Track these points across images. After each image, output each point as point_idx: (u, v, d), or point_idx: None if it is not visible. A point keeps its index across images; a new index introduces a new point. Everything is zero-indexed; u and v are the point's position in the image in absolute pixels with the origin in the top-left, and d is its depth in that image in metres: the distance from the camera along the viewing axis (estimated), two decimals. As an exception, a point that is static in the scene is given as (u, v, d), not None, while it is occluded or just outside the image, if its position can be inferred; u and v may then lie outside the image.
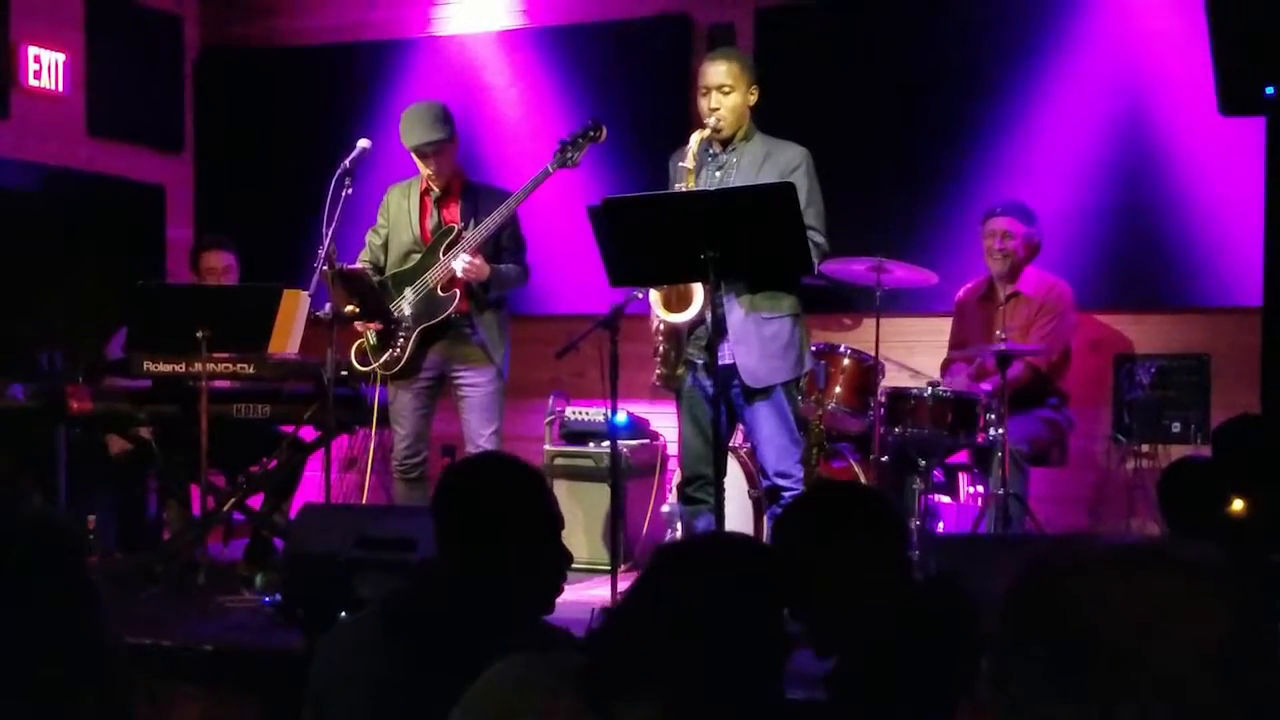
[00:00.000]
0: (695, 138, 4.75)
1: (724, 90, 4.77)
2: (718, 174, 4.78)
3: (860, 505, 2.47)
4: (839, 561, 2.32)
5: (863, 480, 5.78)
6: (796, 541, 2.40)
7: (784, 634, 1.91)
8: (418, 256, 5.57)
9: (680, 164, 4.77)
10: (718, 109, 4.76)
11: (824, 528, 2.39)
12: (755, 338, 4.70)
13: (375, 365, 5.55)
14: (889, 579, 2.34)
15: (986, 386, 5.63)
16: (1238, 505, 2.92)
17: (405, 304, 5.53)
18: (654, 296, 4.73)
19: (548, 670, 1.87)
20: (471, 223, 5.48)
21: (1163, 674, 1.01)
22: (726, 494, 4.48)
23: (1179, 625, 1.02)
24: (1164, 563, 1.06)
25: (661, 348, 4.77)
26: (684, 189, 4.69)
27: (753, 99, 4.84)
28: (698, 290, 4.61)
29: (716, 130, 4.76)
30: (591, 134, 5.39)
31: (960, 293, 6.15)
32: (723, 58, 4.88)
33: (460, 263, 5.37)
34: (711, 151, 4.83)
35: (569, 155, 5.38)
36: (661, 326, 4.74)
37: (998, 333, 5.64)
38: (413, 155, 5.56)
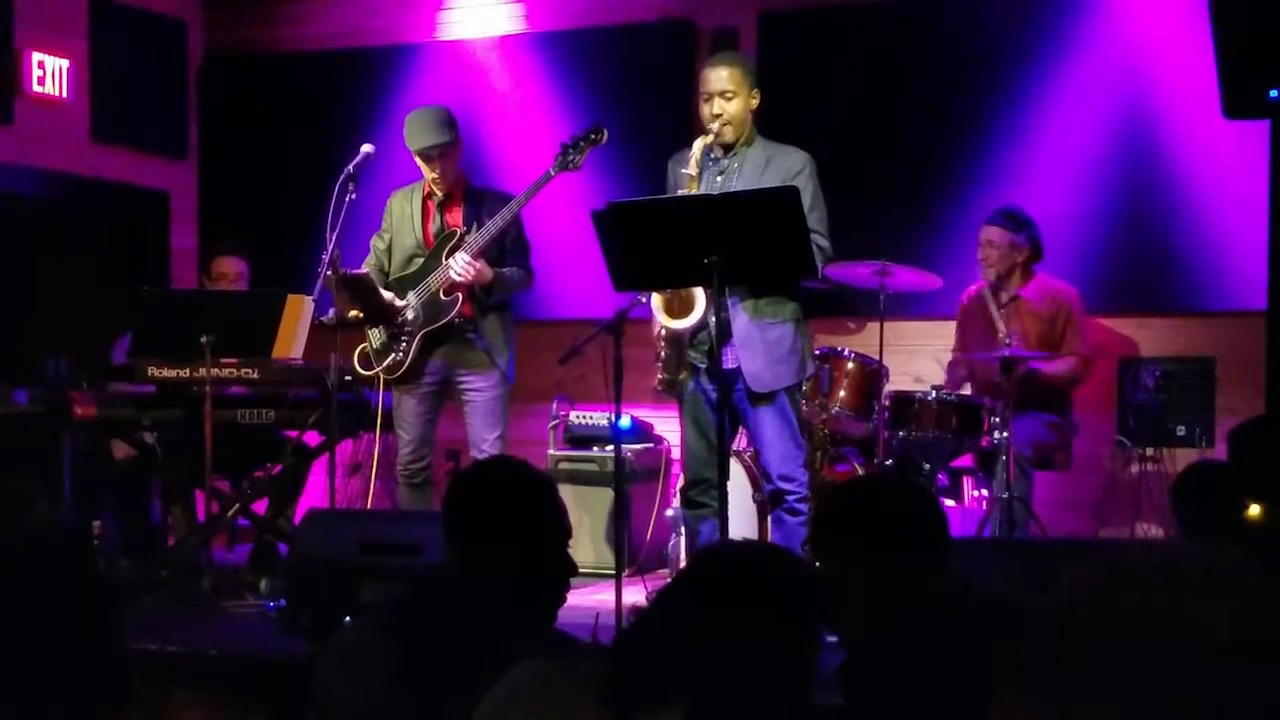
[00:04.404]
0: (698, 144, 4.75)
1: (726, 96, 4.76)
2: (719, 179, 4.78)
3: (907, 502, 2.46)
4: (877, 556, 2.32)
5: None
6: (839, 529, 2.40)
7: (815, 648, 1.89)
8: (420, 260, 5.57)
9: (682, 170, 4.76)
10: (720, 114, 4.75)
11: (871, 519, 2.38)
12: (760, 342, 4.70)
13: (378, 370, 5.55)
14: (927, 578, 2.32)
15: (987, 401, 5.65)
16: (1254, 510, 2.91)
17: (408, 308, 5.53)
18: (656, 303, 4.73)
19: (569, 676, 1.87)
20: (474, 226, 5.49)
21: (1202, 683, 1.00)
22: (730, 498, 4.48)
23: (1222, 633, 1.01)
24: (1210, 573, 1.06)
25: (663, 353, 4.77)
26: (686, 195, 4.68)
27: (754, 103, 4.83)
28: (699, 296, 4.61)
29: (719, 136, 4.76)
30: (593, 136, 5.39)
31: (964, 296, 6.14)
32: (724, 63, 4.88)
33: (458, 265, 5.37)
34: (713, 156, 4.82)
35: (570, 158, 5.38)
36: (663, 332, 4.74)
37: (1000, 334, 5.65)
38: (417, 159, 5.56)
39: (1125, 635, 1.03)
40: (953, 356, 6.16)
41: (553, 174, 5.39)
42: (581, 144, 5.38)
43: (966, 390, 5.98)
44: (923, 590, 2.30)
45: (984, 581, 2.38)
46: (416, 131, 5.51)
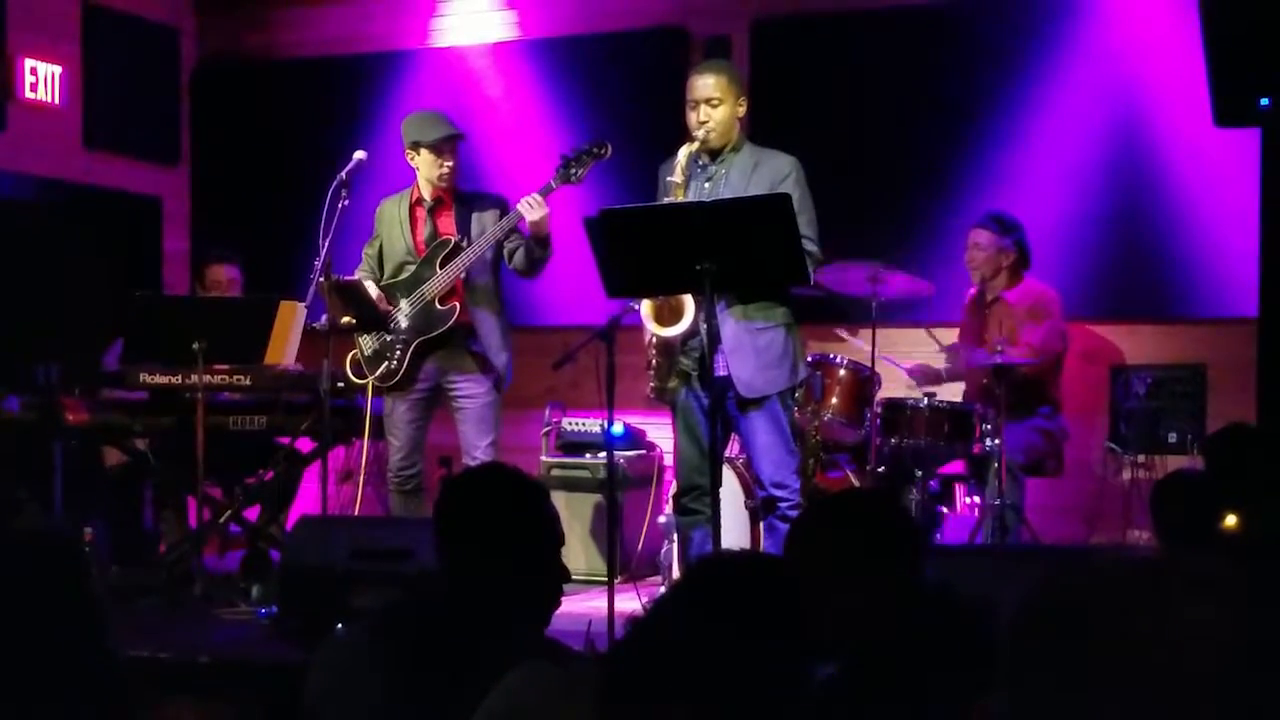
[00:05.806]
0: (683, 151, 4.75)
1: (712, 103, 4.77)
2: (706, 185, 4.78)
3: (874, 515, 2.46)
4: (847, 569, 2.32)
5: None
6: (806, 549, 2.40)
7: (810, 660, 1.89)
8: (412, 268, 5.57)
9: (669, 178, 4.77)
10: (706, 121, 4.76)
11: (835, 537, 2.39)
12: (750, 348, 4.70)
13: (371, 378, 5.54)
14: (896, 587, 2.33)
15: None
16: (1231, 520, 2.92)
17: (401, 316, 5.53)
18: (645, 310, 4.73)
19: (566, 681, 1.87)
20: (466, 238, 5.48)
21: (1183, 687, 1.01)
22: (722, 505, 4.48)
23: (1200, 638, 1.02)
24: (1184, 576, 1.06)
25: (654, 360, 4.77)
26: (679, 201, 4.69)
27: (741, 110, 4.84)
28: (689, 303, 4.62)
29: (705, 143, 4.76)
30: (596, 151, 5.38)
31: (965, 298, 6.17)
32: (710, 70, 4.88)
33: (531, 202, 5.29)
34: (700, 163, 4.82)
35: (573, 171, 5.37)
36: (654, 340, 4.75)
37: (987, 335, 5.66)
38: (423, 154, 5.50)
39: (1107, 638, 1.03)
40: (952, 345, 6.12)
41: (554, 186, 5.39)
42: (585, 158, 5.37)
43: (958, 396, 5.99)
44: (906, 600, 2.31)
45: (976, 588, 2.38)
46: (431, 125, 5.51)
